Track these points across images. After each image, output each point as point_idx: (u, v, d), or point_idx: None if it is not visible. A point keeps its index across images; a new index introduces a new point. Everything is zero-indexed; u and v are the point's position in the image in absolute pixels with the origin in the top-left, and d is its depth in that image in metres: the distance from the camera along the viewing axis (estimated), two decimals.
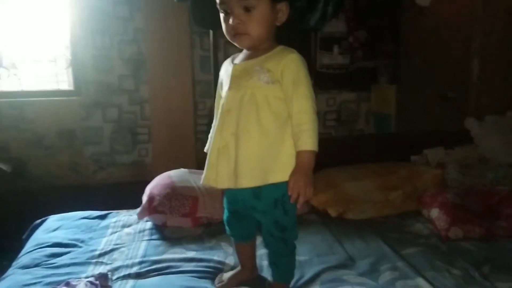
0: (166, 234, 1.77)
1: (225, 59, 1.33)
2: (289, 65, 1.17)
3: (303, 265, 1.50)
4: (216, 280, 1.43)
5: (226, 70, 1.28)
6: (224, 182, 1.23)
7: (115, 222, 1.89)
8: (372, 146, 2.62)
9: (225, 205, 1.38)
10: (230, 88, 1.22)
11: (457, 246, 1.63)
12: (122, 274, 1.46)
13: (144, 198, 1.89)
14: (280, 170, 1.19)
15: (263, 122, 1.17)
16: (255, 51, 1.22)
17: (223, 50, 2.77)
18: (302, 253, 1.56)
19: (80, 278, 1.42)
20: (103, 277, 1.41)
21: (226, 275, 1.43)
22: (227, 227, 1.41)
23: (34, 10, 2.92)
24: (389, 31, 2.96)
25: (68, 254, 1.60)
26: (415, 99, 2.87)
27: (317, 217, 1.93)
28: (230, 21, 1.16)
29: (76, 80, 2.98)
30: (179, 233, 1.77)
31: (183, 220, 1.83)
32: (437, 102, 2.85)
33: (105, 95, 2.98)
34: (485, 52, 2.72)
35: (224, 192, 1.36)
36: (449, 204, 1.82)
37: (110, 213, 1.99)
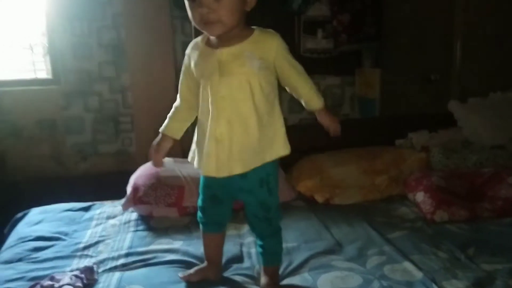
0: (152, 225, 1.75)
1: None
2: (279, 51, 1.21)
3: (291, 252, 1.50)
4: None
5: (202, 54, 1.23)
6: (224, 170, 1.22)
7: (99, 213, 1.86)
8: (357, 130, 2.61)
9: (201, 190, 1.34)
10: (221, 74, 1.19)
11: (443, 228, 1.65)
12: (108, 266, 1.44)
13: (129, 189, 1.86)
14: (274, 149, 1.25)
15: (258, 108, 1.20)
16: (230, 37, 1.19)
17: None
18: (290, 240, 1.57)
19: (64, 271, 1.40)
20: (88, 270, 1.39)
21: (193, 269, 1.39)
22: (200, 214, 1.36)
23: None
24: (372, 14, 2.93)
25: (52, 248, 1.58)
26: (399, 83, 2.87)
27: (304, 203, 1.94)
28: (200, 10, 1.13)
29: (55, 69, 2.88)
30: (166, 223, 1.76)
31: (169, 210, 1.81)
32: (421, 85, 2.86)
33: (85, 83, 2.89)
34: (468, 35, 2.73)
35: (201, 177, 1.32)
36: (434, 187, 1.84)
37: (94, 204, 1.96)
